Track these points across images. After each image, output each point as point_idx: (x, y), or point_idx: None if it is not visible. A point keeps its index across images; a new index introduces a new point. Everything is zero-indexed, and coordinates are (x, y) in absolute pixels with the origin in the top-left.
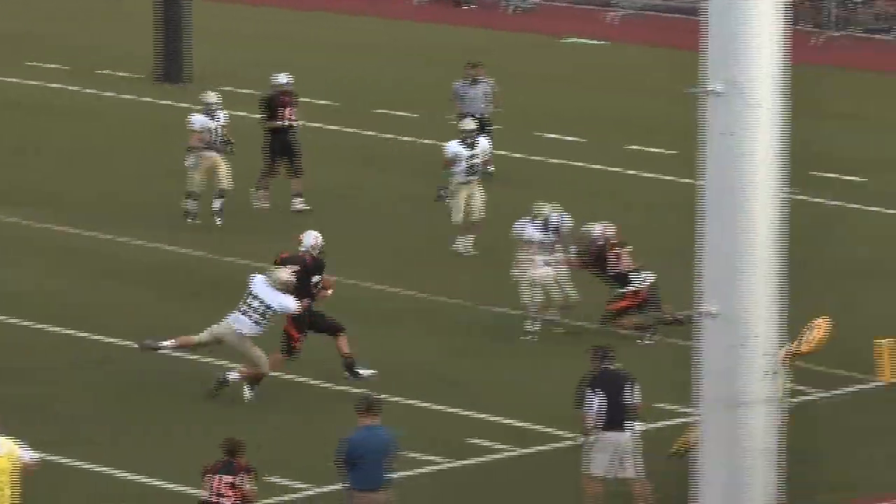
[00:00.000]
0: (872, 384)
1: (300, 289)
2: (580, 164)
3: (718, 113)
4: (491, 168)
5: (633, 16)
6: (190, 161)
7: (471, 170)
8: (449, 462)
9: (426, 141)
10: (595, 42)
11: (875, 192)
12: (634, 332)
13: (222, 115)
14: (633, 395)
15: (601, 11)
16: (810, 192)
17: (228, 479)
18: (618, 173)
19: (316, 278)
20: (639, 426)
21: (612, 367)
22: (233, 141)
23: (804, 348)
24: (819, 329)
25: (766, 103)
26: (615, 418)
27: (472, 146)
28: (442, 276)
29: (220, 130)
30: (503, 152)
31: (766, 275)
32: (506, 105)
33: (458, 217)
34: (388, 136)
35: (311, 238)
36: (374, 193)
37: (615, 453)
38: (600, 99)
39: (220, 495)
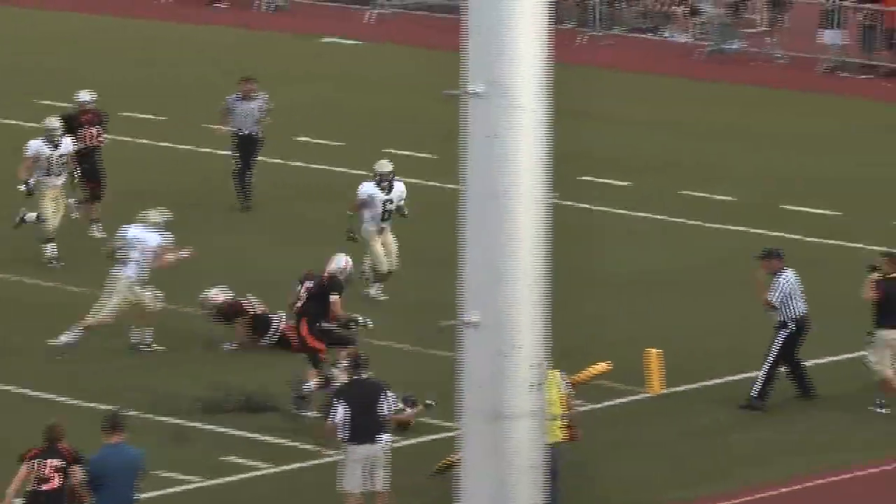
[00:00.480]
0: (641, 396)
1: (318, 307)
2: (342, 169)
3: (480, 115)
4: (406, 211)
5: (392, 15)
6: (29, 187)
7: (385, 215)
8: (202, 481)
9: (179, 146)
10: (352, 42)
11: (641, 196)
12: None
13: (66, 142)
14: (386, 407)
15: (359, 11)
16: (575, 196)
17: (55, 462)
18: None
19: (333, 298)
20: (388, 437)
21: (364, 376)
22: (77, 171)
23: (581, 377)
24: (596, 367)
25: (530, 105)
26: (366, 430)
27: (388, 189)
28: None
29: (59, 158)
30: (261, 158)
31: (529, 283)
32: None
33: (384, 265)
34: (130, 139)
35: (341, 261)
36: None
37: (365, 467)
38: (358, 100)
39: (43, 480)
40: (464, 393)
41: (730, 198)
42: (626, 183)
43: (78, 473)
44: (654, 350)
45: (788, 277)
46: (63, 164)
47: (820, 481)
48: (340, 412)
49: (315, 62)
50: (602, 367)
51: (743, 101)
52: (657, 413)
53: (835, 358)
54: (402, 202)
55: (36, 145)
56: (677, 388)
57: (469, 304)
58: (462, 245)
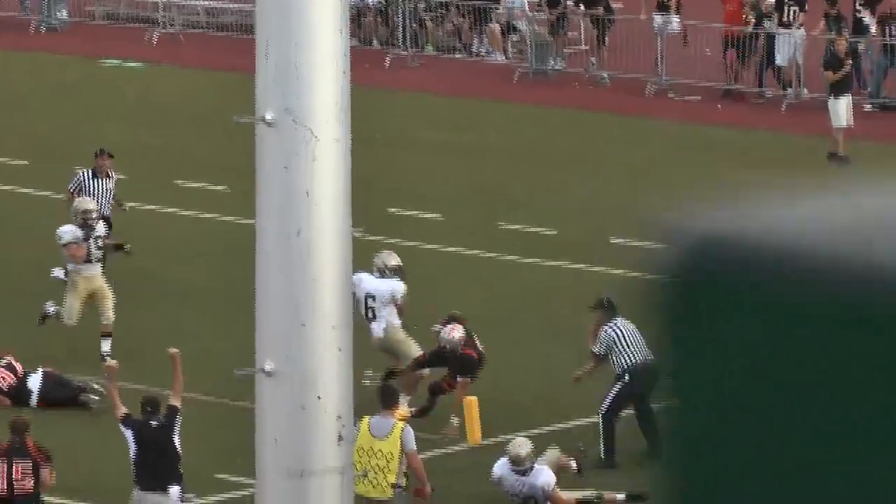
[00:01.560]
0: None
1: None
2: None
3: (273, 145)
4: (128, 247)
5: (175, 36)
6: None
7: (89, 256)
8: None
9: None
10: (135, 64)
11: (453, 228)
12: None
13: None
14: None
15: (141, 30)
16: (384, 230)
17: (23, 463)
18: (171, 214)
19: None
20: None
21: (153, 421)
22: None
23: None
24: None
25: (329, 133)
26: (154, 477)
27: (91, 228)
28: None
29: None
30: (29, 190)
31: (333, 326)
32: (20, 136)
33: (72, 320)
34: None
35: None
36: None
37: None
38: (141, 128)
39: (12, 486)
40: (260, 447)
41: (551, 231)
42: (436, 215)
43: (49, 476)
44: (471, 398)
45: (615, 327)
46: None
47: None
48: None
49: (94, 85)
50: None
51: (565, 124)
52: (478, 466)
53: None
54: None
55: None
56: (497, 438)
57: (265, 352)
58: (258, 286)
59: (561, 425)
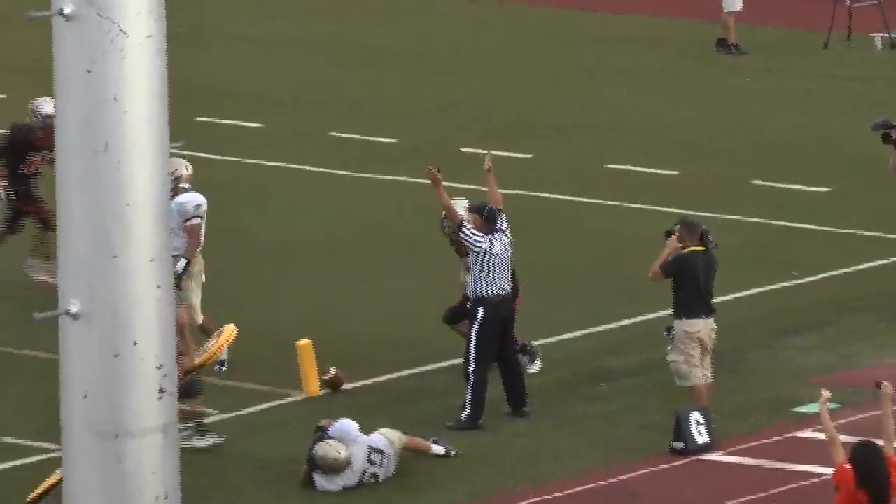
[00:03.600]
0: (295, 398)
1: None
2: None
3: (73, 43)
4: None
5: None
6: None
7: None
8: None
9: None
10: None
11: (275, 139)
12: None
13: None
14: None
15: None
16: (201, 144)
17: None
18: None
19: None
20: None
21: None
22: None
23: (201, 359)
24: (224, 336)
25: (140, 29)
26: None
27: None
28: None
29: None
30: None
31: (150, 259)
32: None
33: None
34: None
35: None
36: None
37: None
38: None
39: None
40: (66, 403)
41: (391, 139)
42: (256, 124)
43: None
44: (304, 341)
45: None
46: None
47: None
48: None
49: None
50: (229, 331)
51: (401, 15)
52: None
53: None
54: None
55: None
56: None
57: (69, 290)
58: (60, 211)
59: (412, 371)
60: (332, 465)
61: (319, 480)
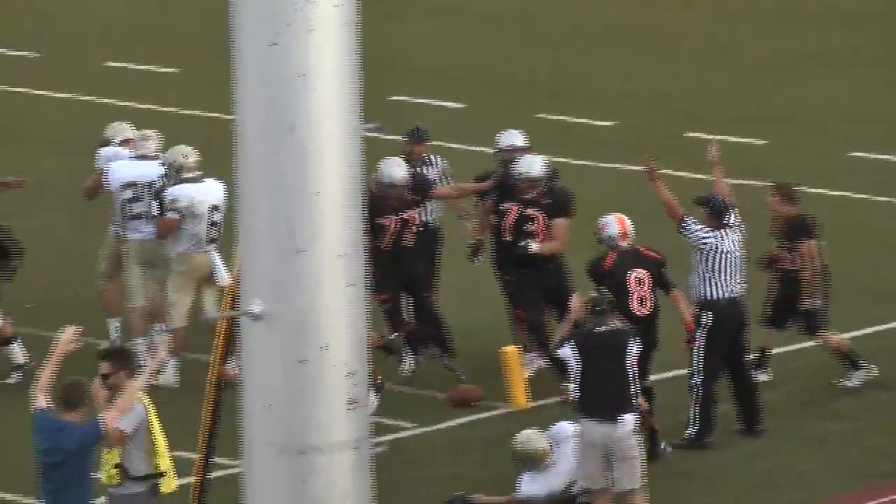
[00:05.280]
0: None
1: None
2: None
3: (256, 12)
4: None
5: None
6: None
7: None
8: None
9: None
10: None
11: (479, 120)
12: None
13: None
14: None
15: None
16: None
17: None
18: None
19: None
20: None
21: None
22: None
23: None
24: None
25: None
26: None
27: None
28: None
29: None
30: None
31: (339, 255)
32: None
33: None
34: None
35: None
36: None
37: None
38: None
39: None
40: (248, 416)
41: (608, 123)
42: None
43: None
44: (509, 348)
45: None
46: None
47: None
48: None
49: None
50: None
51: None
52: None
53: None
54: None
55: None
56: (548, 401)
57: (251, 288)
58: (240, 202)
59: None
60: (530, 456)
61: (525, 481)
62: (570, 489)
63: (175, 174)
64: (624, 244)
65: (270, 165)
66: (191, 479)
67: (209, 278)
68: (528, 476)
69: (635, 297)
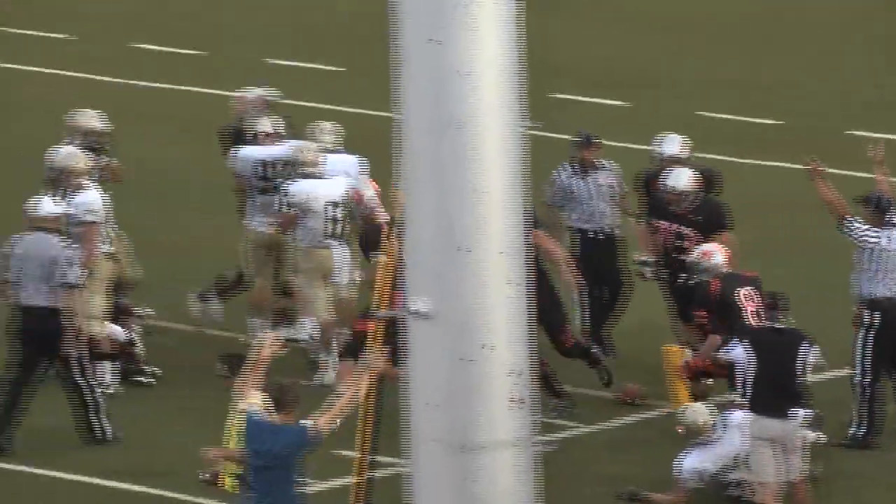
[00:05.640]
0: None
1: None
2: None
3: (415, 8)
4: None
5: None
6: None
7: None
8: None
9: None
10: None
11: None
12: None
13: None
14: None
15: None
16: (556, 125)
17: None
18: None
19: None
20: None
21: None
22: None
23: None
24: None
25: None
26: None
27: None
28: None
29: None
30: None
31: (505, 254)
32: None
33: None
34: None
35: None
36: None
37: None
38: None
39: None
40: (413, 414)
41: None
42: (619, 102)
43: None
44: (673, 346)
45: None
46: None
47: None
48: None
49: None
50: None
51: None
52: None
53: None
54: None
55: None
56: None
57: (416, 288)
58: (406, 200)
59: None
60: (688, 426)
61: (684, 454)
62: (725, 475)
63: (296, 169)
64: (724, 270)
65: (435, 163)
66: (350, 479)
67: (331, 274)
68: (689, 450)
69: (749, 312)
